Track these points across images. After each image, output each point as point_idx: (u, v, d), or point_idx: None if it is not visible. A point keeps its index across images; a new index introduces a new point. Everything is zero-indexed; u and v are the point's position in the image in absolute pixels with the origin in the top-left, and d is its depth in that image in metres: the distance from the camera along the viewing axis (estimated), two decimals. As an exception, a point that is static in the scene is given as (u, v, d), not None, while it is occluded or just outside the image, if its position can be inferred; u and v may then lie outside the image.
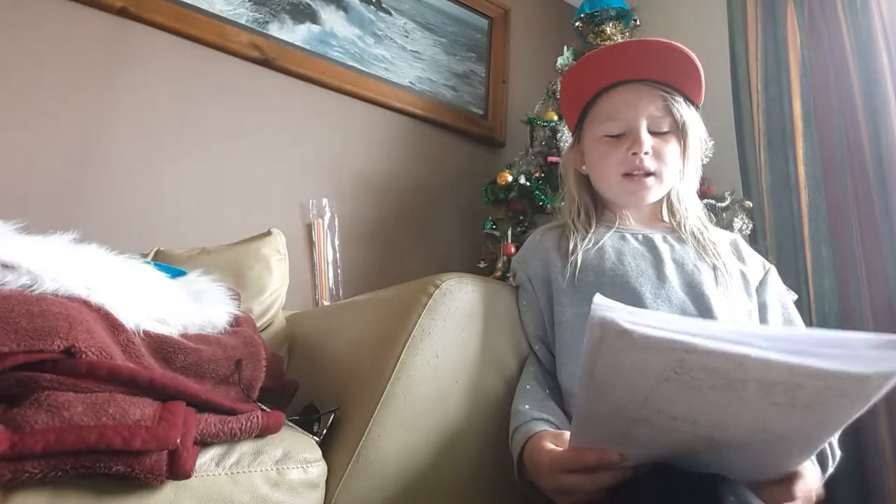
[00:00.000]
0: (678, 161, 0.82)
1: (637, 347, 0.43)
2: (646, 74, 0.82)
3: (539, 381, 0.77)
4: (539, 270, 0.84)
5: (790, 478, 0.54)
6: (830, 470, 0.67)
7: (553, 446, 0.62)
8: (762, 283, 0.82)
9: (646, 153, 0.80)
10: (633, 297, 0.74)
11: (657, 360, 0.43)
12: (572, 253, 0.81)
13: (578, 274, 0.79)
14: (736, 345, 0.42)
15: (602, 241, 0.82)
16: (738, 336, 0.43)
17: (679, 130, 0.82)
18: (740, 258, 0.83)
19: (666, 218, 0.86)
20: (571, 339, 0.76)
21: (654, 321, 0.44)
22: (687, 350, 0.42)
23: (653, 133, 0.81)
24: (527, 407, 0.72)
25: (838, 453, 0.67)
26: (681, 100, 0.82)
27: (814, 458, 0.62)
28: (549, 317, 0.81)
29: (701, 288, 0.75)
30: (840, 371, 0.41)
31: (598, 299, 0.46)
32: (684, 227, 0.84)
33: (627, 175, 0.81)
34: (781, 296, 0.82)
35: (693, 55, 0.80)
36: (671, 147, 0.81)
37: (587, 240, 0.82)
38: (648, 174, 0.81)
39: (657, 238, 0.82)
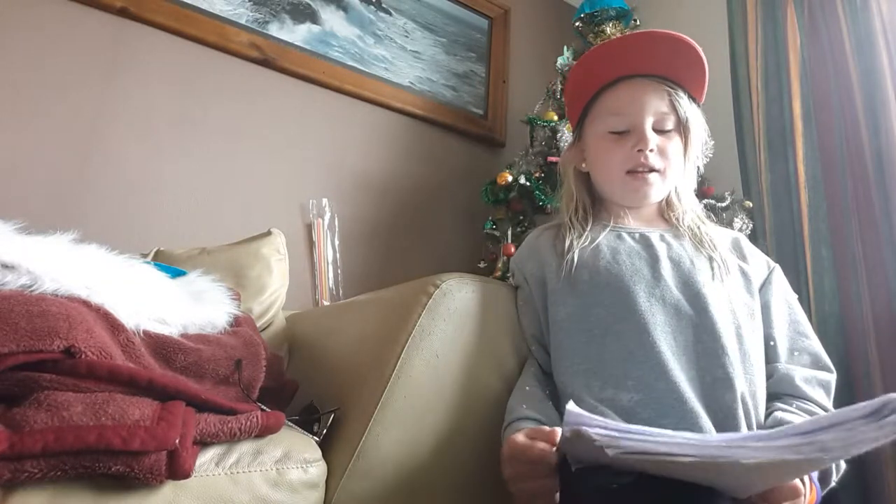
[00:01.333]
0: (680, 159, 0.82)
1: (614, 457, 0.45)
2: (651, 69, 0.81)
3: (539, 381, 0.77)
4: (535, 271, 0.84)
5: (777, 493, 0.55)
6: (833, 483, 0.67)
7: (522, 438, 0.62)
8: (766, 282, 0.81)
9: (651, 151, 0.79)
10: (626, 297, 0.74)
11: (640, 462, 0.46)
12: (568, 251, 0.80)
13: (573, 273, 0.79)
14: (726, 450, 0.43)
15: (598, 240, 0.81)
16: (728, 441, 0.45)
17: (682, 128, 0.81)
18: (742, 256, 0.82)
19: (665, 216, 0.86)
20: (565, 338, 0.76)
21: (637, 433, 0.46)
22: (669, 459, 0.44)
23: (657, 131, 0.81)
24: (523, 406, 0.72)
25: (843, 465, 0.67)
26: (685, 96, 0.81)
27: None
28: (545, 317, 0.81)
29: (697, 286, 0.74)
30: (835, 454, 0.42)
31: (572, 407, 0.49)
32: (682, 222, 0.83)
33: (631, 172, 0.81)
34: (787, 295, 0.82)
35: (699, 49, 0.80)
36: (674, 144, 0.81)
37: (583, 238, 0.82)
38: (652, 171, 0.80)
39: (654, 236, 0.82)
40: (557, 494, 0.58)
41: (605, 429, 0.47)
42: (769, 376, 0.74)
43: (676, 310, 0.73)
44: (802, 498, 0.57)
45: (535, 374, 0.78)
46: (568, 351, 0.75)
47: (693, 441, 0.46)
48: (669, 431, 0.48)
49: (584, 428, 0.46)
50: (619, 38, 0.84)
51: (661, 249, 0.79)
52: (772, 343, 0.76)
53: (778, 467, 0.43)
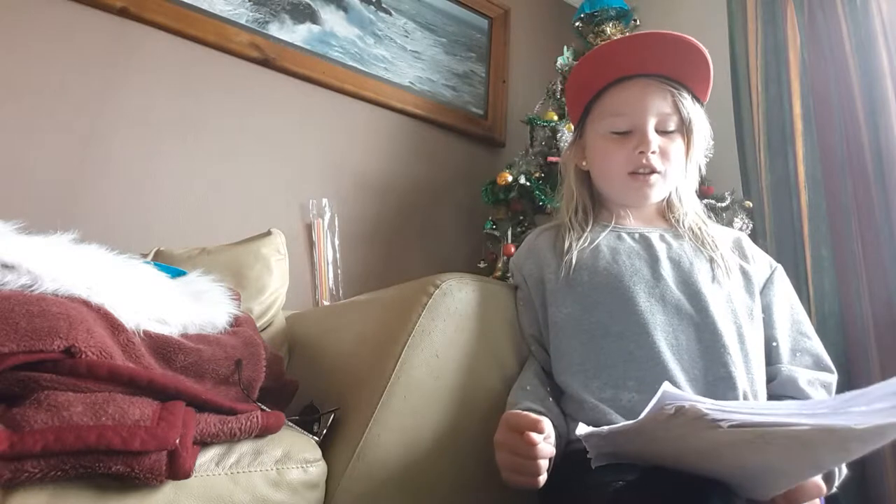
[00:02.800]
0: (682, 160, 0.82)
1: (719, 431, 0.44)
2: (656, 69, 0.81)
3: (541, 380, 0.77)
4: (534, 271, 0.84)
5: (791, 501, 0.55)
6: (835, 489, 0.66)
7: (518, 410, 0.65)
8: (768, 283, 0.80)
9: (653, 152, 0.79)
10: (626, 297, 0.74)
11: (735, 436, 0.44)
12: (567, 252, 0.80)
13: (573, 273, 0.78)
14: (833, 417, 0.43)
15: (597, 241, 0.81)
16: (831, 407, 0.45)
17: (685, 129, 0.81)
18: (744, 256, 0.82)
19: (666, 216, 0.86)
20: (565, 339, 0.76)
21: (738, 408, 0.46)
22: (783, 429, 0.43)
23: (659, 131, 0.80)
24: (525, 402, 0.72)
25: (845, 471, 0.67)
26: (688, 97, 0.81)
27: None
28: (544, 317, 0.81)
29: (697, 286, 0.74)
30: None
31: (667, 387, 0.48)
32: (682, 223, 0.83)
33: (632, 174, 0.81)
34: (789, 295, 0.81)
35: (705, 51, 0.79)
36: (676, 146, 0.81)
37: (583, 238, 0.82)
38: (654, 172, 0.80)
39: (654, 236, 0.81)
40: (541, 477, 0.60)
41: (711, 405, 0.46)
42: (772, 377, 0.74)
43: (677, 309, 0.73)
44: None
45: (535, 373, 0.78)
46: (567, 351, 0.75)
47: (802, 409, 0.46)
48: (755, 403, 0.47)
49: (689, 402, 0.45)
50: (624, 37, 0.83)
51: (660, 249, 0.79)
52: (774, 344, 0.76)
53: (873, 434, 0.42)
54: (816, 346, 0.78)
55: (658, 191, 0.82)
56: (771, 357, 0.76)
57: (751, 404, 0.48)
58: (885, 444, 0.44)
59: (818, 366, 0.76)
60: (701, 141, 0.83)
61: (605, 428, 0.53)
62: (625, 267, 0.77)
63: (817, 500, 0.58)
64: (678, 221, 0.84)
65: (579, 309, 0.76)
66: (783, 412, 0.45)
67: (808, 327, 0.79)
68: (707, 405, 0.45)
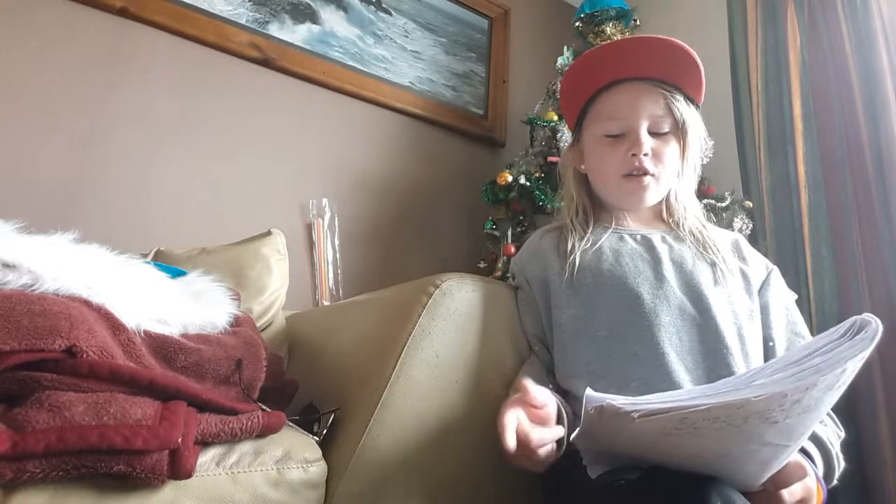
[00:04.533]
0: (677, 162, 0.82)
1: (636, 423, 0.48)
2: (647, 73, 0.81)
3: (541, 379, 0.77)
4: (537, 272, 0.84)
5: (779, 485, 0.55)
6: (835, 481, 0.67)
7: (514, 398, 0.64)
8: (765, 284, 0.81)
9: (645, 154, 0.79)
10: (630, 298, 0.74)
11: (656, 425, 0.49)
12: (570, 254, 0.80)
13: (576, 275, 0.79)
14: (734, 392, 0.47)
15: (600, 242, 0.81)
16: (733, 385, 0.49)
17: (679, 130, 0.81)
18: (741, 258, 0.82)
19: (664, 218, 0.86)
20: (569, 341, 0.76)
21: (653, 400, 0.49)
22: (688, 411, 0.47)
23: (652, 134, 0.81)
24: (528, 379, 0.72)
25: (842, 463, 0.67)
26: (681, 99, 0.81)
27: (818, 468, 0.63)
28: (548, 319, 0.81)
29: (699, 288, 0.75)
30: (826, 375, 0.46)
31: (590, 392, 0.52)
32: (683, 226, 0.83)
33: (626, 176, 0.81)
34: (785, 297, 0.82)
35: (694, 53, 0.80)
36: (670, 148, 0.81)
37: (585, 240, 0.82)
38: (647, 174, 0.80)
39: (655, 238, 0.82)
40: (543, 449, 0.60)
41: (626, 401, 0.50)
42: None
43: (680, 310, 0.73)
44: (810, 479, 0.57)
45: (537, 371, 0.78)
46: (572, 353, 0.76)
47: (706, 391, 0.50)
48: (688, 389, 0.51)
49: (607, 401, 0.49)
50: (612, 43, 0.84)
51: (662, 251, 0.79)
52: (770, 343, 0.77)
53: (773, 402, 0.46)
54: None
55: (652, 193, 0.82)
56: (767, 356, 0.76)
57: (663, 395, 0.50)
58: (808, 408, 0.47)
59: None
60: (696, 142, 0.83)
61: (574, 435, 0.55)
62: (628, 268, 0.77)
63: (820, 498, 0.59)
64: (678, 224, 0.84)
65: (583, 311, 0.77)
66: (687, 396, 0.49)
67: (803, 327, 0.80)
68: (620, 401, 0.49)
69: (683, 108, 0.81)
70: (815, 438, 0.65)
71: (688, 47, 0.79)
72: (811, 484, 0.58)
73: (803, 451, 0.62)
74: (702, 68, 0.81)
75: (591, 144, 0.85)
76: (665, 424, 0.48)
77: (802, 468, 0.56)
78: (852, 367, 0.47)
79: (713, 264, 0.78)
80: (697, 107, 0.84)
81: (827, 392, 0.47)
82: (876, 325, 0.47)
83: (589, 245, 0.81)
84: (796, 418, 0.48)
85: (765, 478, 0.54)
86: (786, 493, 0.56)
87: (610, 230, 0.83)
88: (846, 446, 0.69)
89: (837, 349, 0.47)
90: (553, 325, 0.79)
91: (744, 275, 0.80)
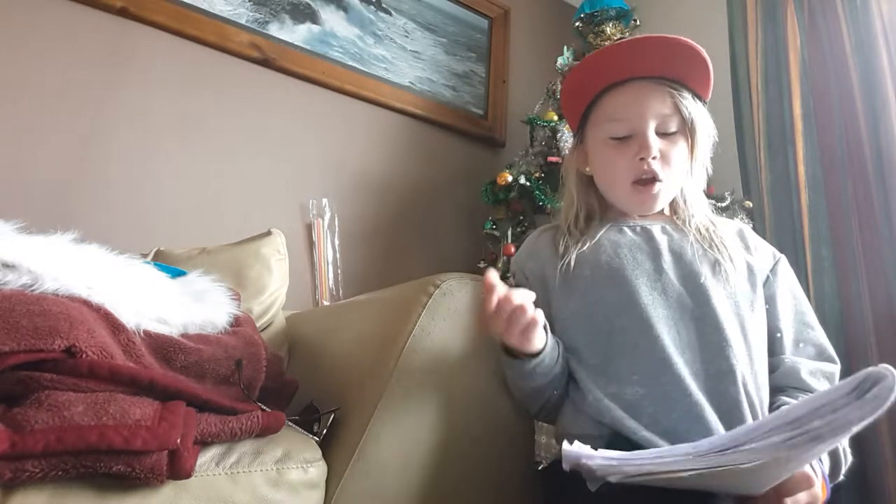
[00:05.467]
0: (686, 162, 0.80)
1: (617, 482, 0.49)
2: (652, 71, 0.79)
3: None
4: (536, 269, 0.84)
5: (783, 494, 0.55)
6: (842, 476, 0.67)
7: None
8: (772, 273, 0.79)
9: (654, 158, 0.77)
10: (628, 290, 0.73)
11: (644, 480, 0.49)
12: (564, 255, 0.80)
13: (574, 269, 0.78)
14: (722, 456, 0.46)
15: (598, 236, 0.80)
16: (721, 447, 0.47)
17: (687, 129, 0.79)
18: (747, 247, 0.81)
19: (669, 213, 0.85)
20: (569, 335, 0.76)
21: (635, 459, 0.50)
22: (673, 475, 0.47)
23: (660, 134, 0.78)
24: None
25: (850, 457, 0.67)
26: (689, 96, 0.79)
27: (824, 465, 0.62)
28: (547, 314, 0.80)
29: (699, 279, 0.74)
30: (828, 439, 0.44)
31: (567, 447, 0.53)
32: (689, 224, 0.81)
33: (636, 183, 0.79)
34: (793, 286, 0.80)
35: (701, 49, 0.77)
36: (679, 148, 0.79)
37: (581, 242, 0.80)
38: (656, 180, 0.78)
39: (655, 229, 0.80)
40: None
41: (605, 458, 0.50)
42: (775, 368, 0.74)
43: (679, 303, 0.72)
44: (816, 486, 0.57)
45: None
46: (572, 347, 0.75)
47: (691, 452, 0.48)
48: (666, 448, 0.50)
49: (583, 461, 0.49)
50: (615, 44, 0.82)
51: (662, 242, 0.78)
52: (778, 335, 0.76)
53: (779, 463, 0.44)
54: (820, 336, 0.77)
55: (663, 199, 0.80)
56: (774, 348, 0.75)
57: (645, 453, 0.50)
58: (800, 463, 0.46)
59: (821, 356, 0.76)
60: (705, 140, 0.80)
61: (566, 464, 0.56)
62: (626, 260, 0.76)
63: (819, 493, 0.59)
64: (685, 223, 0.81)
65: (583, 304, 0.76)
66: (671, 459, 0.48)
67: (812, 318, 0.79)
68: (598, 461, 0.49)
69: (691, 106, 0.78)
70: None
71: (694, 43, 0.77)
72: (817, 491, 0.57)
73: None
74: (709, 63, 0.78)
75: (597, 147, 0.83)
76: (649, 480, 0.48)
77: (808, 479, 0.56)
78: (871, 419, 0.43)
79: (717, 261, 0.76)
80: (705, 103, 0.82)
81: (834, 443, 0.46)
82: (892, 381, 0.42)
83: (585, 246, 0.80)
84: (767, 472, 0.47)
85: (767, 488, 0.54)
86: (790, 501, 0.55)
87: (610, 224, 0.82)
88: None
89: (843, 410, 0.43)
90: (552, 321, 0.79)
91: (749, 267, 0.78)
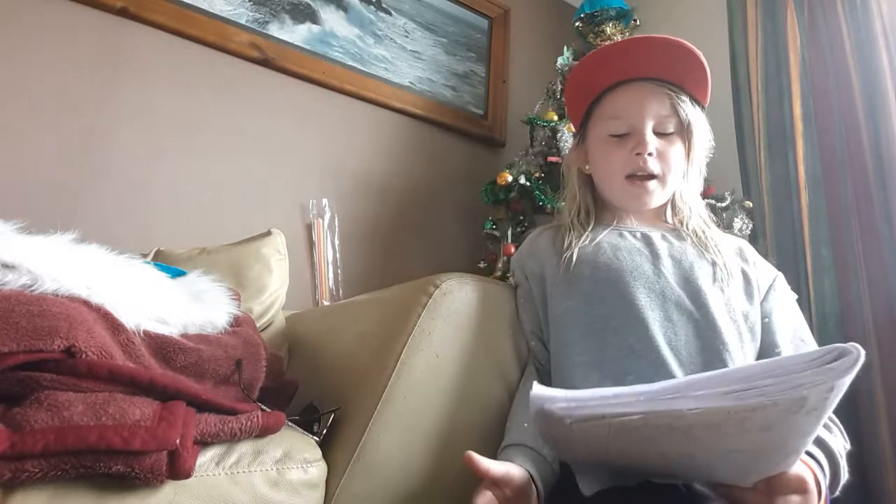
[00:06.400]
0: (682, 163, 0.82)
1: (576, 427, 0.48)
2: (652, 73, 0.81)
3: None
4: (535, 268, 0.84)
5: (773, 490, 0.54)
6: (837, 492, 0.66)
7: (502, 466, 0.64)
8: (771, 289, 0.80)
9: (650, 154, 0.79)
10: (626, 291, 0.74)
11: (600, 429, 0.48)
12: (567, 249, 0.80)
13: (573, 268, 0.79)
14: (671, 401, 0.46)
15: (599, 238, 0.81)
16: (673, 391, 0.47)
17: (684, 131, 0.81)
18: (745, 261, 0.82)
19: (669, 219, 0.86)
20: (565, 332, 0.77)
21: (593, 398, 0.48)
22: (623, 418, 0.46)
23: (658, 134, 0.80)
24: (524, 425, 0.71)
25: (846, 475, 0.66)
26: (686, 99, 0.81)
27: (826, 475, 0.62)
28: (544, 313, 0.81)
29: (697, 283, 0.74)
30: (777, 399, 0.43)
31: (536, 389, 0.51)
32: (686, 226, 0.83)
33: (631, 178, 0.81)
34: (790, 303, 0.81)
35: (700, 54, 0.79)
36: (675, 149, 0.81)
37: (583, 238, 0.82)
38: (652, 177, 0.80)
39: (655, 236, 0.81)
40: None
41: (567, 400, 0.49)
42: None
43: (677, 306, 0.73)
44: (812, 493, 0.56)
45: (535, 375, 0.78)
46: (568, 344, 0.76)
47: (644, 393, 0.48)
48: (624, 388, 0.50)
49: (545, 406, 0.48)
50: (618, 42, 0.84)
51: (662, 247, 0.79)
52: (777, 350, 0.76)
53: (730, 421, 0.44)
54: (814, 347, 0.78)
55: (657, 197, 0.82)
56: None
57: (605, 391, 0.49)
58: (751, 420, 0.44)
59: None
60: (701, 143, 0.83)
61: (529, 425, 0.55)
62: (625, 262, 0.77)
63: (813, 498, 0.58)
64: (682, 224, 0.83)
65: (580, 303, 0.77)
66: (627, 398, 0.47)
67: (807, 333, 0.80)
68: (559, 403, 0.48)
69: (689, 109, 0.80)
70: (824, 447, 0.64)
71: (694, 48, 0.79)
72: (812, 500, 0.56)
73: (812, 457, 0.61)
74: (707, 70, 0.80)
75: (596, 144, 0.85)
76: (606, 430, 0.47)
77: (803, 483, 0.55)
78: (829, 392, 0.43)
79: (713, 263, 0.78)
80: (703, 108, 0.84)
81: (792, 414, 0.44)
82: (855, 356, 0.43)
83: (588, 241, 0.81)
84: (760, 434, 0.46)
85: (754, 479, 0.54)
86: (780, 501, 0.55)
87: (610, 227, 0.83)
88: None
89: (797, 375, 0.44)
90: (549, 319, 0.79)
91: (746, 277, 0.79)
